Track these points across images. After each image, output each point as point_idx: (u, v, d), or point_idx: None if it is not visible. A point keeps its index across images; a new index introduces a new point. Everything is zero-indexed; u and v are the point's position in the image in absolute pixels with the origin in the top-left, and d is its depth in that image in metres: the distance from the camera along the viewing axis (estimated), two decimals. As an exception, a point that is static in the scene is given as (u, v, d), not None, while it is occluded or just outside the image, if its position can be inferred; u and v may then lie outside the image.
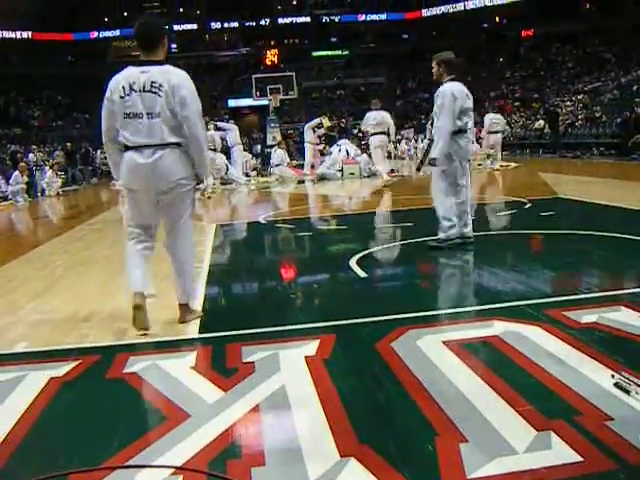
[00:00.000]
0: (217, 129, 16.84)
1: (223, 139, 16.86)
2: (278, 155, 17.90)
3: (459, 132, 5.85)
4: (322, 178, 16.28)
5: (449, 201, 5.92)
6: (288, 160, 18.39)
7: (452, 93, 5.75)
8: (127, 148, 3.76)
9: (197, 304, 4.34)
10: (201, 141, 3.79)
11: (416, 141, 28.32)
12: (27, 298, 5.10)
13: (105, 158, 24.60)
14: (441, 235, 5.94)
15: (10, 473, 2.27)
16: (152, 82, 3.64)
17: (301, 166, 19.02)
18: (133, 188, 3.86)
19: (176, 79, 3.68)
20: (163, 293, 4.64)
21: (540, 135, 24.98)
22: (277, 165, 17.69)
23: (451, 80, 5.88)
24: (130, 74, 3.71)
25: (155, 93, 3.64)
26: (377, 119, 13.85)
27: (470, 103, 5.97)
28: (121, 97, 3.68)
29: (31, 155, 25.49)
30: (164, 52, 3.86)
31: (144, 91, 3.64)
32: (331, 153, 17.44)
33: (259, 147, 26.61)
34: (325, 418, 2.50)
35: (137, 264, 3.94)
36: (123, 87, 3.67)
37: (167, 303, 4.52)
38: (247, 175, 17.96)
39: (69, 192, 20.30)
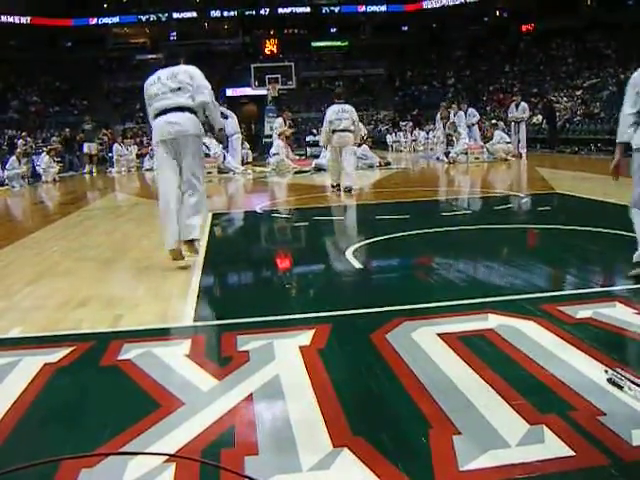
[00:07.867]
0: None
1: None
2: (276, 145, 17.79)
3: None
4: (319, 169, 16.23)
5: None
6: (288, 152, 18.25)
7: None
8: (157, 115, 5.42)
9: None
10: (208, 103, 5.35)
11: (411, 134, 28.31)
12: (22, 283, 5.09)
13: (101, 144, 24.18)
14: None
15: (3, 459, 2.26)
16: (174, 71, 5.40)
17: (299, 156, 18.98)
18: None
19: (186, 67, 5.48)
20: (159, 281, 4.65)
21: (538, 130, 24.92)
22: (275, 154, 17.56)
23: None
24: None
25: (175, 77, 5.35)
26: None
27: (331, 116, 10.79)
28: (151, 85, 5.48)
29: (28, 139, 25.32)
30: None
31: (169, 78, 5.36)
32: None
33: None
34: (319, 408, 2.51)
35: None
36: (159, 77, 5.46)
37: (161, 292, 4.54)
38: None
39: (65, 178, 20.22)
